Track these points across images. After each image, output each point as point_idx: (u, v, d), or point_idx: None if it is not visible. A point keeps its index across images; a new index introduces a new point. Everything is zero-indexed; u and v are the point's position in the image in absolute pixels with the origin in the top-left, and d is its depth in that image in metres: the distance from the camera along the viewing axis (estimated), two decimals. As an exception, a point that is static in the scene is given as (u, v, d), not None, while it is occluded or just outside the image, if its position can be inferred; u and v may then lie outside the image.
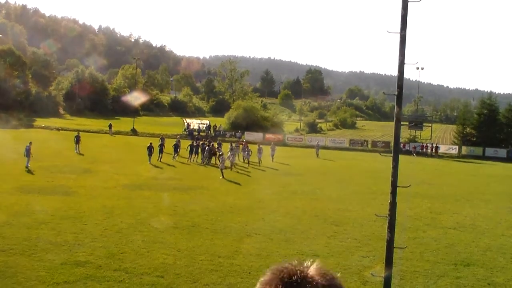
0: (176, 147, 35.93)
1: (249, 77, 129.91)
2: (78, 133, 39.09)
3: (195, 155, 35.17)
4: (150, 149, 31.95)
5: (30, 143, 28.21)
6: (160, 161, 32.95)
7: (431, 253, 14.45)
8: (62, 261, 12.05)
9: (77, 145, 36.65)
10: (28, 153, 27.56)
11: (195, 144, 36.27)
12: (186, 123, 65.34)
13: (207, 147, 34.73)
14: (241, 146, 37.70)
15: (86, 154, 35.20)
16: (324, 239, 15.40)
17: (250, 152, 35.45)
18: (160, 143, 35.09)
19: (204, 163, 33.71)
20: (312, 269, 1.09)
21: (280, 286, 1.04)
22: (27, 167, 26.85)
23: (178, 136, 46.01)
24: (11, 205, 17.97)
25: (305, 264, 1.11)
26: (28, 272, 11.24)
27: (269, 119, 73.05)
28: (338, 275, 1.14)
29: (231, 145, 34.50)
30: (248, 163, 34.81)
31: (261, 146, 37.63)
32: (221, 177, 27.26)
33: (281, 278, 1.05)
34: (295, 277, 1.05)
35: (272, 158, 37.04)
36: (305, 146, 55.42)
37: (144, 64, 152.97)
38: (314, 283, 1.04)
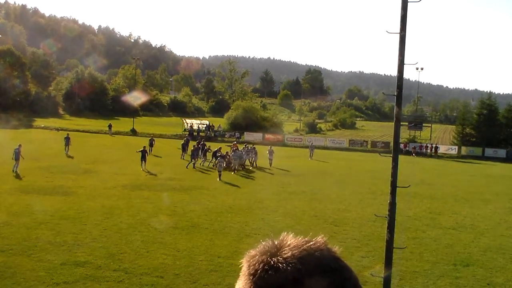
0: (205, 151, 35.04)
1: (248, 77, 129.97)
2: (68, 134, 37.98)
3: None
4: (143, 153, 29.84)
5: (20, 145, 26.28)
6: (187, 167, 31.12)
7: (430, 253, 14.46)
8: (61, 261, 12.05)
9: (67, 147, 35.41)
10: (17, 156, 25.62)
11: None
12: (189, 124, 65.35)
13: (204, 148, 34.70)
14: (229, 149, 35.33)
15: (86, 154, 35.16)
16: (323, 239, 15.40)
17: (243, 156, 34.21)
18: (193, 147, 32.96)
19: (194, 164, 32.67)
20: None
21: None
22: (13, 171, 25.15)
23: (200, 139, 42.85)
24: (11, 205, 17.96)
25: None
26: (27, 273, 11.24)
27: (268, 120, 73.00)
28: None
29: (217, 152, 31.48)
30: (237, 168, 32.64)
31: (249, 147, 35.81)
32: (218, 179, 26.91)
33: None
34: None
35: (271, 163, 34.50)
36: (305, 146, 55.37)
37: (143, 64, 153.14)
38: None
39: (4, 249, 12.75)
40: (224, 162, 28.95)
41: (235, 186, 25.37)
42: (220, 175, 27.31)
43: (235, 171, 30.63)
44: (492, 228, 18.30)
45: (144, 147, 30.99)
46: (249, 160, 34.94)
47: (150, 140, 39.75)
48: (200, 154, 33.33)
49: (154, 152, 37.89)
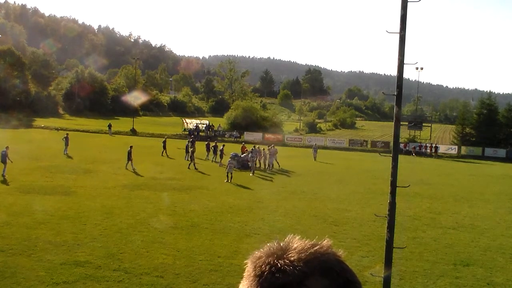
0: (215, 149, 35.94)
1: (248, 77, 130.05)
2: (67, 134, 37.42)
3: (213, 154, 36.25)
4: (129, 153, 29.17)
5: (7, 147, 24.99)
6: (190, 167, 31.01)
7: (430, 253, 14.46)
8: (61, 261, 12.05)
9: (66, 147, 34.93)
10: (4, 159, 24.15)
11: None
12: (189, 123, 65.28)
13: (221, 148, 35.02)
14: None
15: (86, 154, 35.12)
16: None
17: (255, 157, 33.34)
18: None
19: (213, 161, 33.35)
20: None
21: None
22: (3, 175, 23.68)
23: (209, 140, 42.26)
24: (10, 205, 17.96)
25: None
26: (27, 272, 11.24)
27: (268, 119, 72.97)
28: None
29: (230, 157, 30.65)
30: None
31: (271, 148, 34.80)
32: (226, 180, 26.32)
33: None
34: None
35: (271, 165, 33.53)
36: (305, 146, 55.42)
37: (143, 64, 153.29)
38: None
39: (4, 249, 12.74)
40: (234, 164, 28.15)
41: (235, 186, 25.36)
42: (228, 177, 26.47)
43: (253, 173, 30.44)
44: (492, 228, 18.30)
45: (131, 146, 29.93)
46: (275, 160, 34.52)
47: (163, 141, 38.98)
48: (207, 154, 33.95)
49: (160, 154, 37.82)
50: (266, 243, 1.02)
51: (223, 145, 36.43)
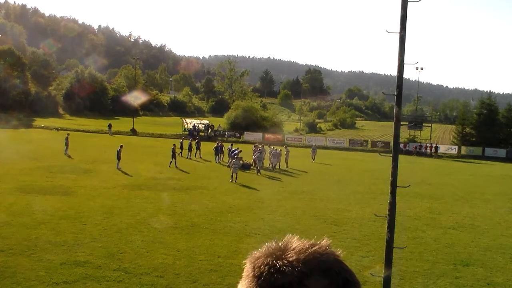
0: (219, 150, 36.21)
1: (248, 77, 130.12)
2: (67, 134, 37.40)
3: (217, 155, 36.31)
4: (118, 152, 29.38)
5: None
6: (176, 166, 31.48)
7: (430, 253, 14.47)
8: (61, 261, 12.05)
9: (67, 147, 34.96)
10: None
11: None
12: (189, 123, 65.30)
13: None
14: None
15: (86, 154, 35.13)
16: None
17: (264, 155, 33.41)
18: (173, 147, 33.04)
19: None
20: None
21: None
22: None
23: (220, 140, 42.22)
24: (11, 205, 17.96)
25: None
26: (27, 272, 11.24)
27: (268, 119, 72.85)
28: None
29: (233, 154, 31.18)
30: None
31: (275, 149, 35.09)
32: (230, 180, 26.24)
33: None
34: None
35: (273, 166, 33.71)
36: (305, 146, 55.38)
37: (143, 64, 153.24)
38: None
39: (4, 249, 12.75)
40: (238, 164, 27.85)
41: (235, 186, 25.34)
42: (233, 177, 26.34)
43: (259, 173, 30.46)
44: (492, 228, 18.30)
45: (121, 146, 30.10)
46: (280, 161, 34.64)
47: (180, 142, 38.56)
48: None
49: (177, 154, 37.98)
50: (265, 243, 1.02)
51: (231, 145, 36.45)
